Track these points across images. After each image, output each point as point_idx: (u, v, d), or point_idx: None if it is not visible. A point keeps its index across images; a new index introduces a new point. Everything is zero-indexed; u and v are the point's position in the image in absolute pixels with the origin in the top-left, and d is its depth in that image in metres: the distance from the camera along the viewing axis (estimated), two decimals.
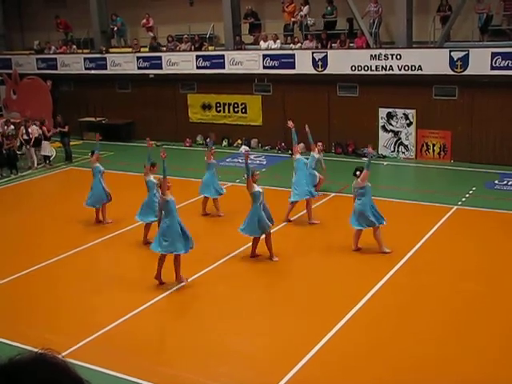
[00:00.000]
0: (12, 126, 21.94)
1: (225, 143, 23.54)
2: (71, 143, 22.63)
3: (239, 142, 23.45)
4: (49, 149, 21.65)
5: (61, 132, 21.99)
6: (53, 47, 27.47)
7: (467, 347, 8.97)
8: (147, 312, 10.43)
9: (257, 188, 12.10)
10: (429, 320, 9.82)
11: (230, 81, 22.97)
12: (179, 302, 11.06)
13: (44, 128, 21.58)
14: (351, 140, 21.31)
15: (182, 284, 11.37)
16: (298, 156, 14.79)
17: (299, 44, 22.16)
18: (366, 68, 20.32)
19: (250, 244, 12.63)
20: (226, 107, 23.81)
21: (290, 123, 14.81)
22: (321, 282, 11.46)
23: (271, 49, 22.52)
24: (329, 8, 22.46)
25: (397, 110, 20.56)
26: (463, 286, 11.03)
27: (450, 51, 19.06)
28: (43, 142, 21.35)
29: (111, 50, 26.13)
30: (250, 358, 8.97)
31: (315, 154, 15.81)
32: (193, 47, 24.28)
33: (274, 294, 11.39)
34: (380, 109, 20.82)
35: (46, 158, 21.67)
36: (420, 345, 9.02)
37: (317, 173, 15.89)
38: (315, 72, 21.30)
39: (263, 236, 12.34)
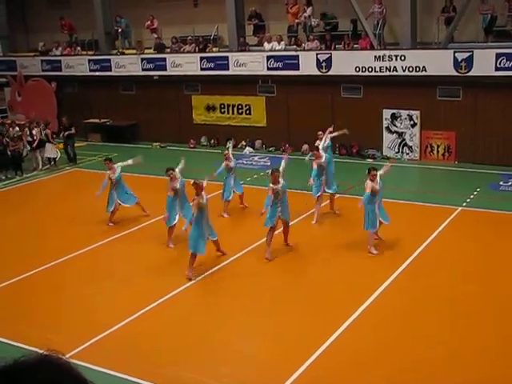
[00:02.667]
0: (17, 128, 21.97)
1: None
2: (75, 145, 22.64)
3: (243, 143, 23.44)
4: (51, 150, 21.62)
5: (66, 134, 22.00)
6: (60, 48, 27.54)
7: (473, 347, 8.94)
8: (149, 313, 10.42)
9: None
10: (435, 321, 9.79)
11: (234, 82, 22.98)
12: (181, 303, 11.05)
13: (48, 130, 21.58)
14: (355, 141, 21.27)
15: (190, 283, 11.42)
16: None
17: (303, 45, 22.17)
18: (370, 69, 20.29)
19: (256, 244, 12.86)
20: (230, 108, 23.82)
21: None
22: (324, 282, 11.44)
23: (275, 50, 22.51)
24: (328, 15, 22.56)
25: (401, 111, 20.53)
26: (468, 287, 10.99)
27: (455, 52, 19.02)
28: (46, 144, 21.35)
29: (113, 51, 26.20)
30: (254, 358, 8.96)
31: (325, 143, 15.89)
32: (197, 48, 24.30)
33: (277, 294, 11.34)
34: (384, 110, 20.79)
35: (51, 159, 21.69)
36: (426, 346, 8.99)
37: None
38: (319, 73, 21.29)
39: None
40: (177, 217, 13.40)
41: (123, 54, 25.72)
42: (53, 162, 21.69)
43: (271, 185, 12.51)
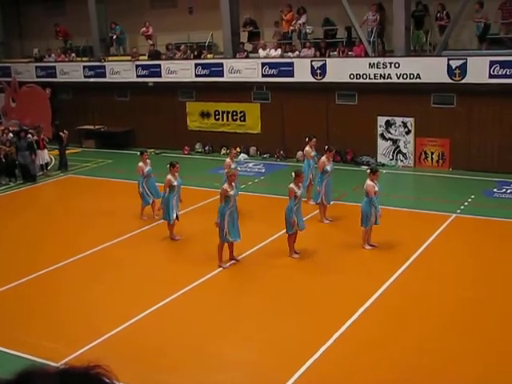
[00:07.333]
0: (11, 134, 21.88)
1: (223, 151, 23.54)
2: (69, 151, 22.55)
3: (238, 149, 23.43)
4: (44, 157, 21.49)
5: (65, 145, 21.91)
6: (52, 55, 27.54)
7: (470, 352, 8.96)
8: (144, 320, 10.38)
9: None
10: (430, 327, 9.80)
11: (228, 89, 23.02)
12: (178, 309, 11.01)
13: (36, 137, 21.38)
14: (350, 148, 21.34)
15: (185, 290, 11.40)
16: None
17: (297, 52, 22.24)
18: (364, 76, 20.37)
19: (254, 249, 13.20)
20: (225, 115, 23.84)
21: None
22: (319, 289, 11.44)
23: (271, 57, 22.56)
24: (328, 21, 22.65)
25: (395, 118, 20.61)
26: (463, 293, 11.02)
27: (449, 59, 19.12)
28: (38, 151, 21.09)
29: (110, 58, 26.20)
30: (249, 365, 8.93)
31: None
32: (192, 55, 24.33)
33: (272, 300, 11.34)
34: (378, 117, 20.86)
35: (43, 166, 21.54)
36: (422, 351, 9.00)
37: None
38: (314, 80, 21.36)
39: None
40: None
41: (105, 60, 25.60)
42: (45, 169, 21.55)
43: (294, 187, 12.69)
